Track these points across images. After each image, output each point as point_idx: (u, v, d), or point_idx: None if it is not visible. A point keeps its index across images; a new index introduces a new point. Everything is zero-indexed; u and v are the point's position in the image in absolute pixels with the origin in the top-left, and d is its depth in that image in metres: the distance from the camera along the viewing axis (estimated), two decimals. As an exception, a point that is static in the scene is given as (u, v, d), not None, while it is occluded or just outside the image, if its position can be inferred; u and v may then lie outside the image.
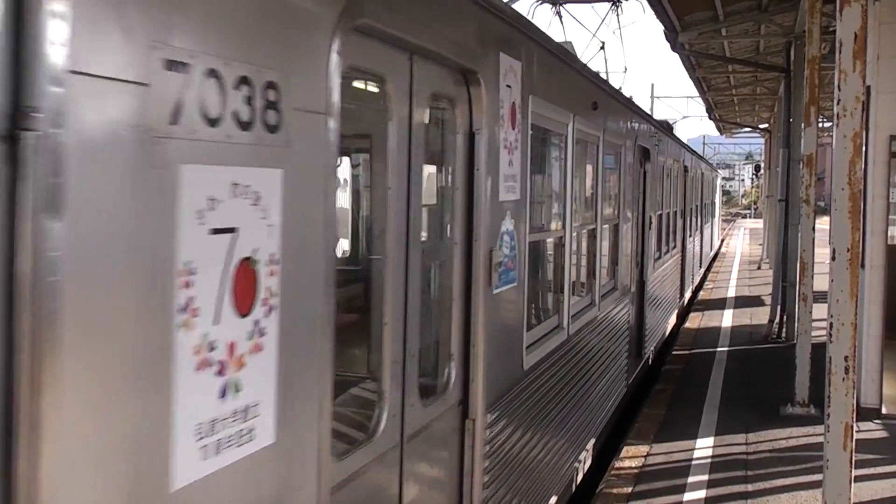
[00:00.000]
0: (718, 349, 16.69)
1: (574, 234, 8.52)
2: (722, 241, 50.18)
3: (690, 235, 23.40)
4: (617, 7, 20.38)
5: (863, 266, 10.85)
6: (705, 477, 9.29)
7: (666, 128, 17.64)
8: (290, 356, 3.14)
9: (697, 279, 27.13)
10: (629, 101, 12.44)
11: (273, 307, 3.04)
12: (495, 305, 5.63)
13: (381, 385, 4.31)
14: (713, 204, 37.45)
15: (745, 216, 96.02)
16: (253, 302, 2.92)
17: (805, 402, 11.79)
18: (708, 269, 33.20)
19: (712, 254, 37.96)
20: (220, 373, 2.78)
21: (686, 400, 12.64)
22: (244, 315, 2.88)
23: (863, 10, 6.31)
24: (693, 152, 24.83)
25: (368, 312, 4.56)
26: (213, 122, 2.68)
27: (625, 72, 24.83)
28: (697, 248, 26.60)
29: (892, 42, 11.30)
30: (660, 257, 15.83)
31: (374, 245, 4.74)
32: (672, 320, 18.71)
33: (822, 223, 15.52)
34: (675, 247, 18.98)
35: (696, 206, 25.72)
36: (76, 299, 2.17)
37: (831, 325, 6.51)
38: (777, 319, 18.09)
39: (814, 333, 11.93)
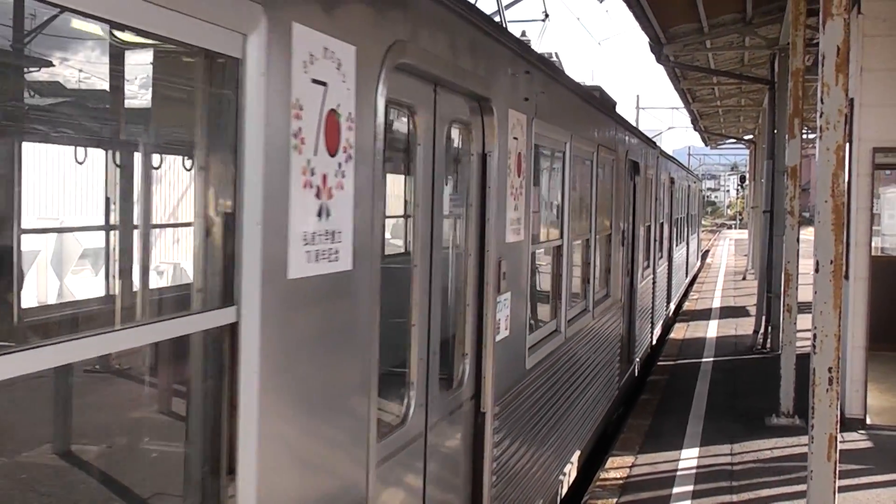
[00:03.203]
0: (703, 360, 16.73)
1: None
2: (706, 252, 50.27)
3: (649, 266, 16.80)
4: None
5: (847, 277, 10.93)
6: (690, 488, 9.31)
7: (605, 104, 11.51)
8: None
9: (666, 316, 20.86)
10: None
11: (350, 156, 3.89)
12: None
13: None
14: (690, 217, 30.64)
15: (730, 227, 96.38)
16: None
17: (790, 413, 11.82)
18: (684, 297, 27.80)
19: (688, 279, 30.69)
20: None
21: (671, 410, 12.66)
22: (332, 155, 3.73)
23: (845, 23, 6.37)
24: (653, 146, 17.67)
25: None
26: None
27: (544, 20, 17.09)
28: (663, 281, 20.04)
29: (875, 55, 11.40)
30: (570, 321, 9.01)
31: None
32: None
33: (807, 234, 15.64)
34: (606, 296, 11.56)
35: (661, 224, 19.30)
36: None
37: (815, 336, 6.55)
38: (762, 330, 18.15)
39: (798, 344, 11.99)
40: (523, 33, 14.13)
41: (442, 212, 5.37)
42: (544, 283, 8.82)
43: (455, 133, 5.92)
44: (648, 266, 16.72)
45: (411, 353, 4.96)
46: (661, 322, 19.42)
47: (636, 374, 15.05)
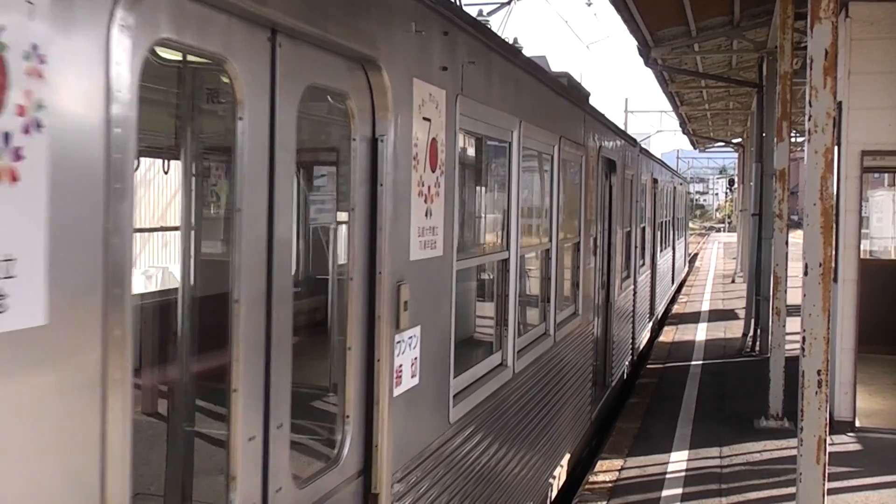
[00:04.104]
0: (693, 363, 16.73)
1: None
2: (695, 255, 50.38)
3: (629, 276, 15.21)
4: None
5: (835, 280, 10.95)
6: (679, 490, 9.30)
7: (572, 92, 9.82)
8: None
9: (650, 327, 19.44)
10: None
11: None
12: None
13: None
14: (677, 221, 28.46)
15: (719, 230, 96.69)
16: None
17: (779, 416, 11.83)
18: (672, 302, 26.66)
19: (675, 286, 29.09)
20: None
21: (660, 413, 12.66)
22: None
23: (833, 27, 6.38)
24: (634, 143, 15.69)
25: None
26: None
27: (509, 2, 15.93)
28: (646, 291, 18.42)
29: (863, 58, 11.42)
30: (521, 352, 7.46)
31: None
32: None
33: (796, 237, 15.72)
34: (574, 315, 9.89)
35: (643, 229, 17.51)
36: None
37: (804, 338, 6.56)
38: (751, 333, 18.17)
39: (787, 347, 12.00)
40: (480, 13, 12.64)
41: (289, 219, 3.68)
42: (481, 308, 7.29)
43: (320, 107, 4.55)
44: (628, 276, 15.17)
45: (231, 433, 3.38)
46: (643, 337, 17.93)
47: (624, 381, 14.74)
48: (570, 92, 9.47)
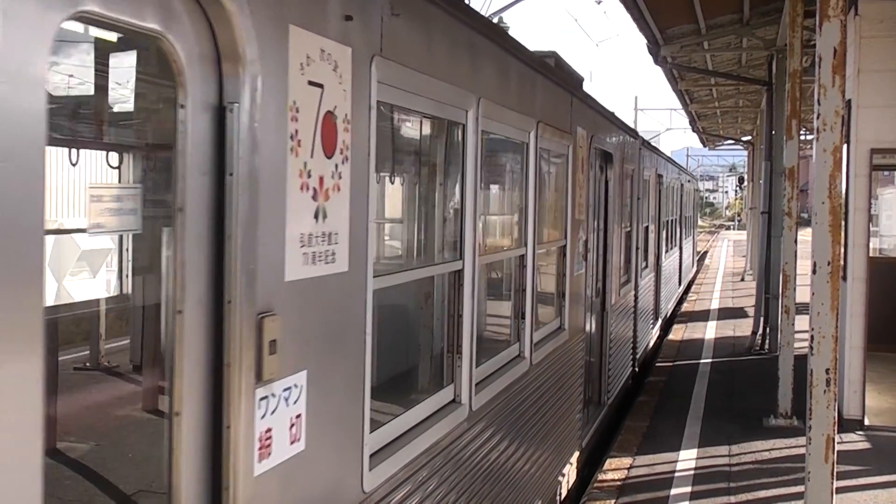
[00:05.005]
0: (702, 361, 16.72)
1: None
2: (704, 253, 50.32)
3: (629, 281, 13.94)
4: None
5: (844, 278, 10.94)
6: (688, 489, 9.30)
7: (558, 73, 8.48)
8: None
9: (656, 331, 18.57)
10: None
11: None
12: None
13: None
14: (684, 219, 27.02)
15: (728, 228, 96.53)
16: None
17: (788, 414, 11.82)
18: (679, 303, 25.81)
19: (682, 287, 27.82)
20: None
21: (669, 412, 12.65)
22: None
23: (842, 25, 6.38)
24: (634, 135, 14.39)
25: None
26: None
27: None
28: (649, 295, 17.23)
29: (872, 56, 11.40)
30: (481, 384, 6.04)
31: None
32: None
33: (805, 235, 15.60)
34: (559, 329, 8.55)
35: (647, 228, 16.21)
36: None
37: (813, 337, 6.55)
38: (760, 331, 18.14)
39: (797, 345, 11.99)
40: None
41: (37, 226, 2.26)
42: (419, 334, 5.88)
43: (106, 55, 3.42)
44: (628, 280, 13.80)
45: None
46: (646, 343, 16.79)
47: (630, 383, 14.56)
48: (552, 71, 8.05)
